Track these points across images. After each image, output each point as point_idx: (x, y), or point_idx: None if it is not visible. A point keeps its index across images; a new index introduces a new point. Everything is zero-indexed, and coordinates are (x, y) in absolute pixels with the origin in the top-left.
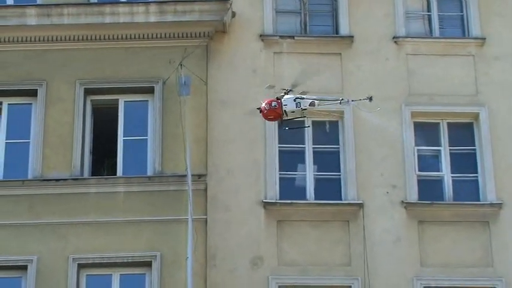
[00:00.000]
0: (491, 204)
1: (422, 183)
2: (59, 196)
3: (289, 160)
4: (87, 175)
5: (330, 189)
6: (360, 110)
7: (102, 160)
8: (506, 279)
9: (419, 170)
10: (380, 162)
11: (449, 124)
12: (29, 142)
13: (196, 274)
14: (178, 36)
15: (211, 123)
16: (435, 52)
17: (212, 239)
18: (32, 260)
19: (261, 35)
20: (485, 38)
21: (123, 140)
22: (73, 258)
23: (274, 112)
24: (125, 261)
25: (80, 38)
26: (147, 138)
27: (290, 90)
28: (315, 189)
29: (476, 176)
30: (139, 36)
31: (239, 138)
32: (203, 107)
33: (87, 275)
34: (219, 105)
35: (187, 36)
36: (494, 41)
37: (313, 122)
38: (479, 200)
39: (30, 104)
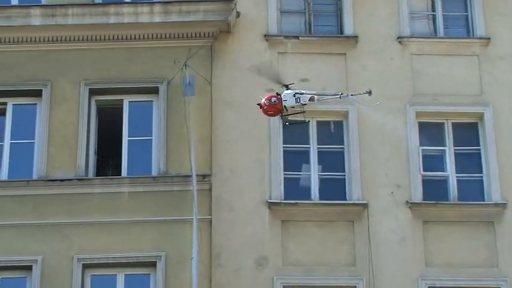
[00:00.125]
0: (496, 204)
1: (427, 183)
2: (64, 196)
3: (294, 160)
4: (92, 175)
5: (334, 189)
6: (360, 104)
7: (107, 160)
8: (511, 280)
9: (424, 170)
10: (384, 162)
11: (453, 124)
12: (33, 142)
13: (201, 274)
14: (182, 37)
15: (215, 123)
16: (440, 52)
17: (217, 238)
18: (36, 260)
19: (265, 35)
20: (489, 38)
21: (128, 140)
22: (78, 259)
23: (274, 107)
24: (130, 261)
25: (85, 38)
26: (151, 139)
27: (290, 84)
28: (319, 189)
29: (481, 176)
30: (143, 36)
31: (244, 138)
32: (208, 107)
33: (91, 275)
34: (224, 105)
35: (191, 37)
36: (499, 40)
37: (318, 122)
38: (484, 200)
39: (35, 104)
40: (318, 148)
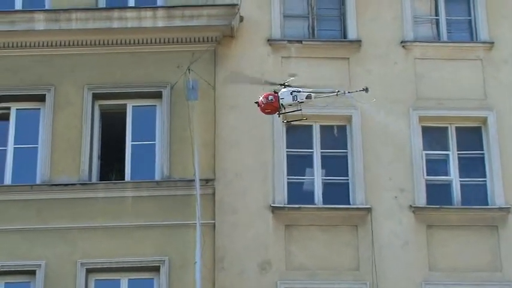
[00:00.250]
0: (500, 209)
1: (430, 187)
2: (67, 201)
3: (297, 164)
4: (96, 180)
5: (338, 193)
6: (357, 101)
7: (111, 165)
8: None
9: (428, 174)
10: (388, 167)
11: (457, 128)
12: (37, 147)
13: (204, 278)
14: (186, 41)
15: (219, 128)
16: (443, 56)
17: (220, 241)
18: (40, 264)
19: (268, 40)
20: (493, 42)
21: (131, 144)
22: (81, 263)
23: (271, 106)
24: (133, 265)
25: (88, 42)
26: (155, 143)
27: (287, 83)
28: (323, 194)
29: (485, 180)
30: (147, 41)
31: (247, 143)
32: (211, 111)
33: (95, 279)
34: (227, 110)
35: (195, 41)
36: (503, 44)
37: (321, 126)
38: (487, 204)
39: (39, 109)
40: (322, 152)
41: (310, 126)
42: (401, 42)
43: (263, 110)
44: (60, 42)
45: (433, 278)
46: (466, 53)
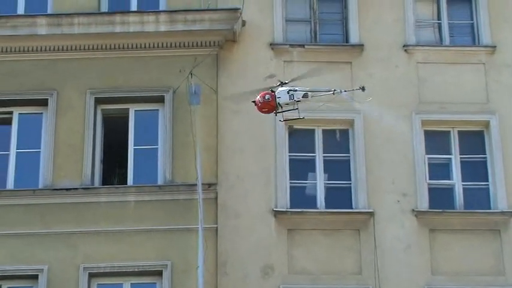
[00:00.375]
0: (502, 213)
1: (433, 191)
2: (70, 205)
3: (300, 169)
4: (98, 184)
5: (340, 197)
6: (353, 100)
7: (113, 169)
8: None
9: (430, 178)
10: (390, 171)
11: (460, 132)
12: (39, 151)
13: (207, 282)
14: (188, 45)
15: (221, 132)
16: (445, 60)
17: (223, 246)
18: (42, 269)
19: (271, 44)
20: (495, 46)
21: (134, 149)
22: (84, 268)
23: (268, 105)
24: (136, 270)
25: (91, 47)
26: (157, 147)
27: (285, 82)
28: (325, 198)
29: (487, 184)
30: (149, 45)
31: (249, 147)
32: (213, 115)
33: (98, 284)
34: (229, 114)
35: (197, 45)
36: (505, 48)
37: (324, 131)
38: (490, 208)
39: (41, 113)
40: (324, 156)
41: (313, 131)
42: (404, 46)
43: (260, 109)
44: (63, 47)
45: (435, 282)
46: (468, 57)
